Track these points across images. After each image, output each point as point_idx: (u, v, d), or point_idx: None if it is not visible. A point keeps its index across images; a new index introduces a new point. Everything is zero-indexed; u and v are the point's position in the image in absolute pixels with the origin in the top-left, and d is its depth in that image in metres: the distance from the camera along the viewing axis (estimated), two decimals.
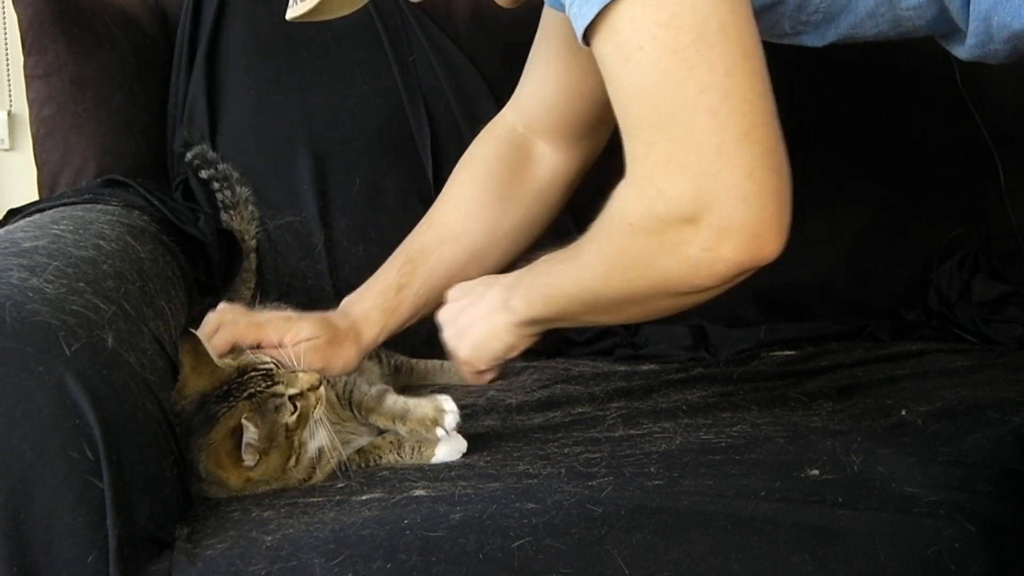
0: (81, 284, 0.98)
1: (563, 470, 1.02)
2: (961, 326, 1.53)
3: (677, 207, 0.86)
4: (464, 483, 1.00)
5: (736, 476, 0.98)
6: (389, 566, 0.87)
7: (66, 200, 1.35)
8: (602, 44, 0.88)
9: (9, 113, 1.95)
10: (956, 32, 0.98)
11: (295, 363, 1.09)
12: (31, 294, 0.91)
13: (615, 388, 1.31)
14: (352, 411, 1.13)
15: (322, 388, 1.07)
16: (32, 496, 0.84)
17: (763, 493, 0.94)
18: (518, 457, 1.08)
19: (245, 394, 1.03)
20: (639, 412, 1.21)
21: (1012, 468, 0.99)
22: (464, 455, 1.09)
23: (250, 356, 1.09)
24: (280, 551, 0.88)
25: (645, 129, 0.88)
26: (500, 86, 1.38)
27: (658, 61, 0.85)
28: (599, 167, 1.39)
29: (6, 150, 1.97)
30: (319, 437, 1.05)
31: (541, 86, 1.28)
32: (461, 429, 1.10)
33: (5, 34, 1.91)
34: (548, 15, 1.25)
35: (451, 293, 1.17)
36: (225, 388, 1.03)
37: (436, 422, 1.08)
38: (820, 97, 1.57)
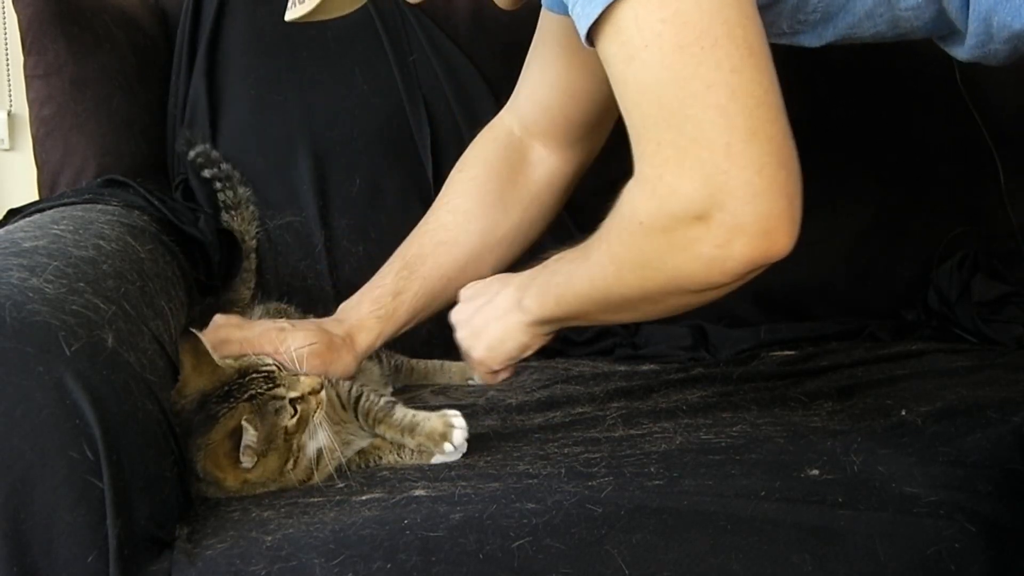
0: (81, 284, 0.98)
1: (563, 470, 1.02)
2: (961, 326, 1.53)
3: (687, 205, 0.86)
4: (464, 483, 1.00)
5: (736, 476, 0.98)
6: (389, 566, 0.87)
7: (66, 200, 1.35)
8: (607, 44, 0.88)
9: (9, 113, 1.95)
10: (954, 33, 0.98)
11: (297, 366, 1.09)
12: (31, 294, 0.91)
13: (615, 388, 1.31)
14: (357, 417, 1.13)
15: (323, 392, 1.07)
16: (32, 496, 0.84)
17: (763, 493, 0.94)
18: (518, 457, 1.08)
19: (246, 396, 1.03)
20: (639, 412, 1.21)
21: (1012, 468, 0.99)
22: (464, 455, 1.09)
23: (252, 358, 1.09)
24: (280, 551, 0.88)
25: (653, 128, 0.87)
26: (500, 86, 1.38)
27: (663, 59, 0.85)
28: (598, 168, 1.39)
29: (6, 150, 1.97)
30: (318, 439, 1.05)
31: (538, 89, 1.28)
32: None
33: (5, 34, 1.91)
34: (546, 18, 1.25)
35: (464, 293, 1.18)
36: (226, 389, 1.03)
37: (445, 437, 1.08)
38: (820, 97, 1.57)
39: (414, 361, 1.44)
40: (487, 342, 1.13)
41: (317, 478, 1.05)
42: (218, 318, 1.21)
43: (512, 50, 1.34)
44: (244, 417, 1.00)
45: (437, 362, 1.45)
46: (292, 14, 1.07)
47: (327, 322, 1.25)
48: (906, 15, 0.96)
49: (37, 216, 1.26)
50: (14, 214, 1.35)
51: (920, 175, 1.62)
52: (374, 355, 1.34)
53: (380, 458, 1.10)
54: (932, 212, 1.61)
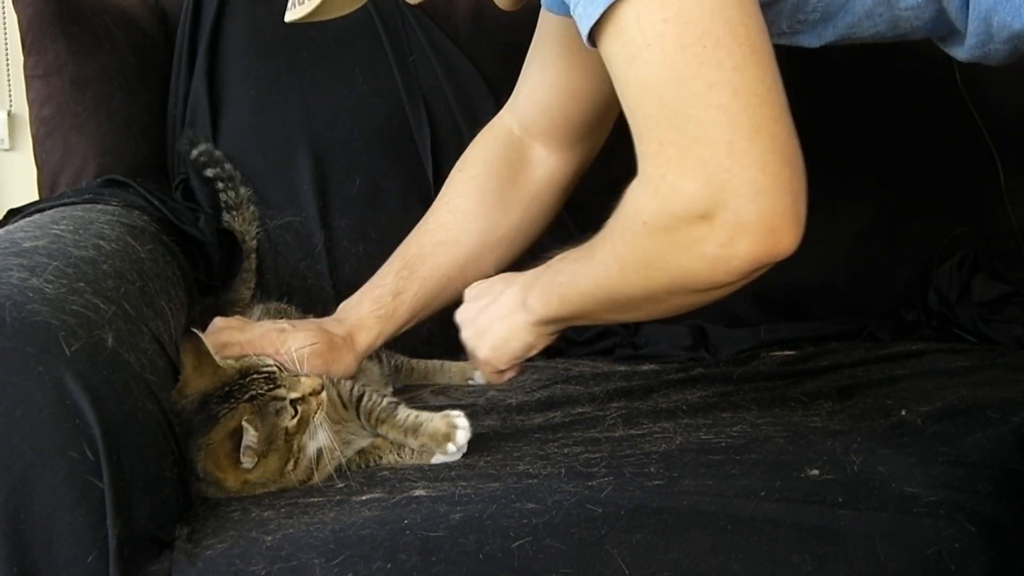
0: (81, 284, 0.98)
1: (563, 470, 1.02)
2: (961, 326, 1.53)
3: (691, 204, 0.86)
4: (464, 483, 1.00)
5: (736, 476, 0.98)
6: (389, 566, 0.87)
7: (66, 200, 1.35)
8: (609, 44, 0.87)
9: (9, 113, 1.95)
10: (954, 34, 0.98)
11: (297, 367, 1.09)
12: (31, 294, 0.91)
13: (615, 388, 1.31)
14: (359, 417, 1.13)
15: (324, 393, 1.06)
16: (32, 496, 0.84)
17: (763, 493, 0.94)
18: (518, 457, 1.08)
19: (246, 396, 1.03)
20: (639, 412, 1.21)
21: (1012, 468, 0.99)
22: (464, 455, 1.09)
23: (253, 359, 1.09)
24: (280, 551, 0.88)
25: (655, 128, 0.87)
26: (500, 86, 1.38)
27: (665, 59, 0.85)
28: (598, 168, 1.39)
29: (6, 150, 1.97)
30: (319, 439, 1.05)
31: (537, 90, 1.28)
32: None
33: (5, 34, 1.91)
34: (545, 19, 1.25)
35: (468, 293, 1.18)
36: (227, 389, 1.03)
37: (448, 437, 1.08)
38: (820, 97, 1.57)
39: (414, 361, 1.44)
40: (492, 342, 1.13)
41: (317, 478, 1.05)
42: (218, 321, 1.22)
43: (512, 50, 1.34)
44: (245, 418, 1.00)
45: (437, 362, 1.45)
46: (292, 15, 1.07)
47: (327, 322, 1.25)
48: (906, 15, 0.96)
49: (37, 216, 1.26)
50: (14, 214, 1.35)
51: (920, 175, 1.62)
52: (374, 355, 1.34)
53: (380, 458, 1.10)
54: (932, 212, 1.61)
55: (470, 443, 1.10)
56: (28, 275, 0.95)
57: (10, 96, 1.94)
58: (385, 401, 1.13)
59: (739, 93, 0.84)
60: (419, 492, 0.98)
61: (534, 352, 1.14)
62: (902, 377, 1.31)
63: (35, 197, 1.51)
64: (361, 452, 1.10)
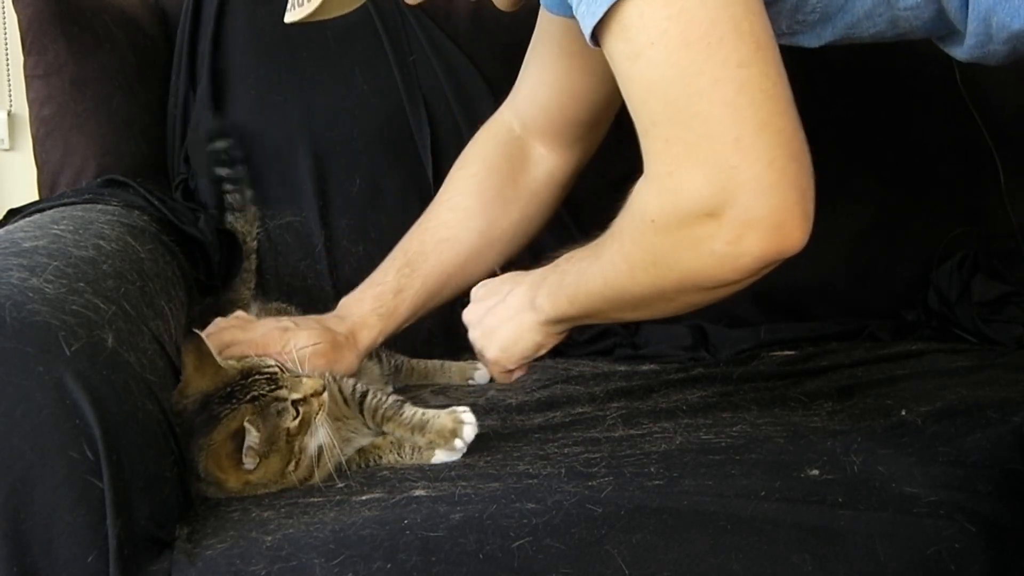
0: (81, 284, 0.98)
1: (563, 470, 1.02)
2: (961, 326, 1.53)
3: (698, 202, 0.86)
4: (464, 483, 1.00)
5: (736, 476, 0.98)
6: (389, 566, 0.87)
7: (66, 200, 1.35)
8: (612, 42, 0.87)
9: (9, 113, 1.95)
10: (954, 33, 0.98)
11: (299, 367, 1.09)
12: (31, 294, 0.91)
13: (615, 388, 1.31)
14: (363, 415, 1.13)
15: (325, 394, 1.06)
16: (32, 496, 0.84)
17: (763, 493, 0.94)
18: (518, 457, 1.08)
19: (248, 397, 1.03)
20: (639, 412, 1.21)
21: (1012, 468, 0.99)
22: (464, 455, 1.09)
23: (255, 359, 1.10)
24: (280, 551, 0.88)
25: (661, 125, 0.87)
26: (500, 86, 1.39)
27: (670, 56, 0.84)
28: (599, 168, 1.39)
29: (6, 150, 1.97)
30: (319, 435, 1.05)
31: (537, 89, 1.29)
32: None
33: (5, 34, 1.91)
34: (544, 18, 1.26)
35: (475, 293, 1.18)
36: (228, 390, 1.03)
37: (455, 433, 1.08)
38: (819, 97, 1.57)
39: (414, 361, 1.44)
40: (500, 342, 1.13)
41: (317, 476, 1.05)
42: (219, 321, 1.22)
43: (512, 50, 1.34)
44: (246, 418, 1.00)
45: (437, 362, 1.45)
46: (292, 16, 1.07)
47: (329, 319, 1.25)
48: (905, 15, 0.96)
49: (37, 216, 1.26)
50: (14, 214, 1.35)
51: (920, 175, 1.62)
52: (374, 354, 1.34)
53: (380, 458, 1.10)
54: (932, 212, 1.61)
55: (470, 443, 1.10)
56: (28, 275, 0.95)
57: (10, 96, 1.94)
58: (390, 399, 1.13)
59: (744, 89, 0.84)
60: (419, 492, 0.98)
61: (543, 352, 1.14)
62: (902, 377, 1.31)
63: (35, 197, 1.51)
64: (361, 451, 1.10)
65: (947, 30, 0.98)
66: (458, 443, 1.08)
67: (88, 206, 1.31)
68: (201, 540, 0.91)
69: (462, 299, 1.23)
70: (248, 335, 1.19)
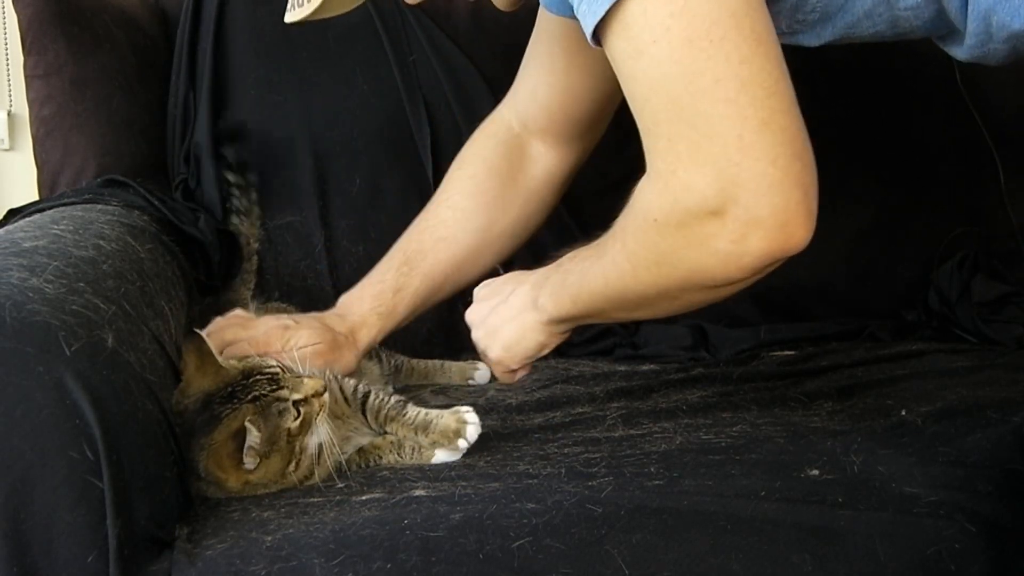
0: (81, 284, 0.98)
1: (563, 470, 1.02)
2: (961, 326, 1.53)
3: (701, 200, 0.86)
4: (464, 483, 1.00)
5: (736, 476, 0.98)
6: (389, 566, 0.87)
7: (66, 200, 1.35)
8: (614, 41, 0.87)
9: (9, 113, 1.95)
10: (954, 33, 0.98)
11: (300, 368, 1.09)
12: (31, 294, 0.91)
13: (615, 388, 1.31)
14: (365, 415, 1.13)
15: (326, 395, 1.07)
16: (32, 496, 0.84)
17: (763, 493, 0.94)
18: (518, 457, 1.08)
19: (249, 397, 1.03)
20: (639, 412, 1.21)
21: (1012, 468, 0.99)
22: (464, 455, 1.09)
23: (256, 359, 1.10)
24: (280, 551, 0.88)
25: (664, 124, 0.87)
26: (500, 86, 1.39)
27: (672, 53, 0.84)
28: (600, 168, 1.39)
29: (6, 150, 1.97)
30: (319, 433, 1.05)
31: (537, 88, 1.29)
32: None
33: (5, 34, 1.91)
34: (544, 17, 1.26)
35: (478, 293, 1.18)
36: (229, 390, 1.03)
37: (459, 433, 1.08)
38: (819, 97, 1.56)
39: (414, 361, 1.44)
40: (503, 342, 1.13)
41: (317, 476, 1.05)
42: (219, 320, 1.22)
43: (512, 50, 1.34)
44: (248, 418, 1.00)
45: (437, 362, 1.45)
46: (292, 16, 1.07)
47: (329, 317, 1.26)
48: (905, 15, 0.96)
49: (37, 216, 1.26)
50: (14, 214, 1.35)
51: (920, 175, 1.62)
52: (374, 355, 1.34)
53: (380, 458, 1.10)
54: (932, 212, 1.61)
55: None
56: (28, 275, 0.95)
57: (10, 96, 1.94)
58: (393, 399, 1.13)
59: (746, 86, 0.84)
60: (419, 492, 0.98)
61: (546, 351, 1.14)
62: (902, 377, 1.31)
63: (35, 197, 1.51)
64: (361, 451, 1.10)
65: (947, 30, 0.98)
66: (461, 443, 1.08)
67: (88, 206, 1.31)
68: (201, 540, 0.91)
69: (464, 299, 1.23)
70: (249, 332, 1.20)
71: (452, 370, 1.44)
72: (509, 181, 1.30)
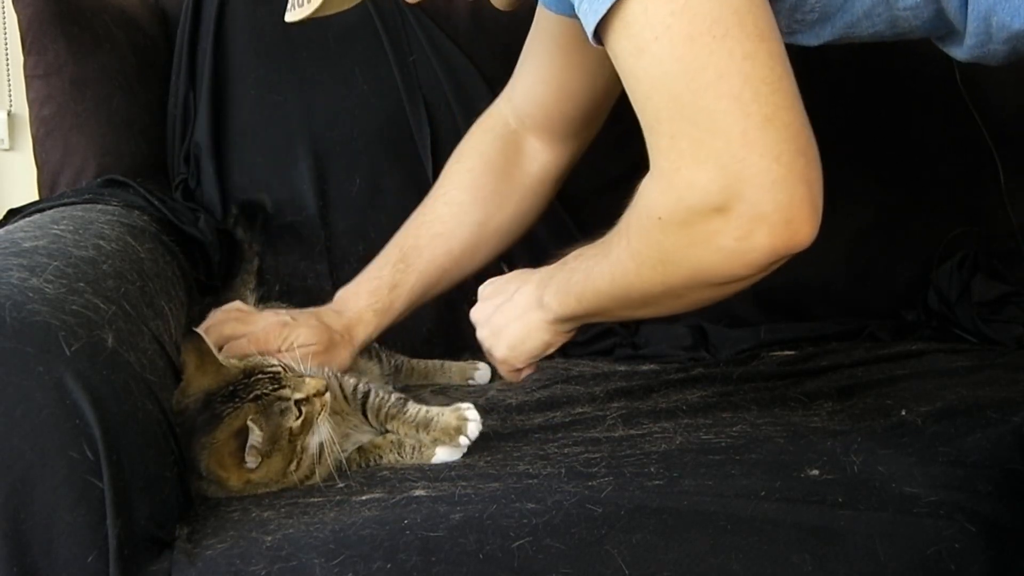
0: (81, 284, 0.98)
1: (563, 470, 1.02)
2: (961, 326, 1.53)
3: (706, 197, 0.85)
4: (464, 483, 1.00)
5: (736, 476, 0.98)
6: (389, 566, 0.87)
7: (66, 200, 1.35)
8: (616, 39, 0.87)
9: (9, 113, 1.95)
10: (953, 33, 0.98)
11: (302, 367, 1.09)
12: (31, 294, 0.91)
13: (615, 388, 1.31)
14: (365, 414, 1.13)
15: (327, 395, 1.07)
16: (32, 496, 0.84)
17: (763, 493, 0.94)
18: (518, 457, 1.08)
19: (251, 396, 1.03)
20: (639, 412, 1.21)
21: (1012, 468, 0.99)
22: (464, 455, 1.09)
23: (257, 358, 1.10)
24: (280, 551, 0.88)
25: (666, 121, 0.87)
26: (500, 86, 1.39)
27: (674, 51, 0.84)
28: (599, 168, 1.39)
29: (6, 150, 1.97)
30: (320, 433, 1.05)
31: (535, 86, 1.29)
32: None
33: (5, 34, 1.91)
34: (542, 15, 1.26)
35: (483, 291, 1.18)
36: (231, 389, 1.03)
37: (460, 430, 1.08)
38: (819, 97, 1.56)
39: (414, 361, 1.44)
40: (508, 341, 1.13)
41: (318, 475, 1.05)
42: (218, 313, 1.22)
43: (512, 50, 1.34)
44: (250, 417, 1.00)
45: (437, 362, 1.45)
46: (293, 15, 1.07)
47: (326, 313, 1.26)
48: (904, 15, 0.96)
49: (37, 216, 1.26)
50: (14, 214, 1.35)
51: (920, 175, 1.62)
52: (375, 355, 1.34)
53: (380, 457, 1.10)
54: (932, 212, 1.61)
55: (470, 443, 1.10)
56: (28, 275, 0.95)
57: (10, 96, 1.94)
58: (393, 397, 1.13)
59: (750, 82, 0.83)
60: (419, 492, 0.98)
61: (551, 350, 1.14)
62: (902, 377, 1.31)
63: (35, 197, 1.51)
64: (361, 451, 1.10)
65: (946, 30, 0.98)
66: (463, 440, 1.08)
67: (88, 206, 1.31)
68: (201, 540, 0.91)
69: (468, 298, 1.23)
70: (248, 328, 1.20)
71: (452, 370, 1.44)
72: (505, 177, 1.31)
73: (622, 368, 1.46)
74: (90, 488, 0.85)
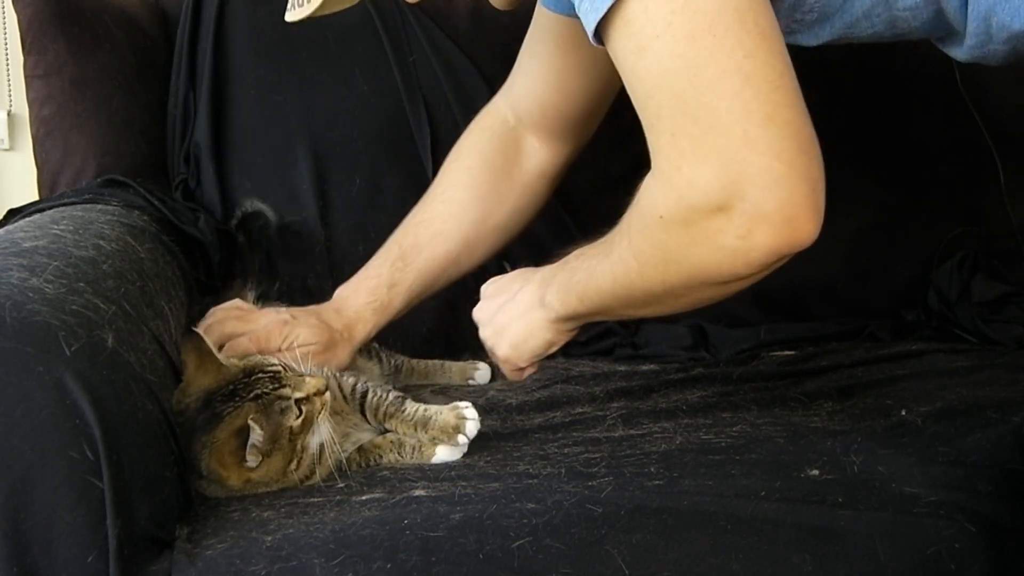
0: (81, 284, 0.98)
1: (563, 470, 1.02)
2: (961, 326, 1.53)
3: (708, 196, 0.85)
4: (464, 483, 1.00)
5: (736, 476, 0.98)
6: (389, 566, 0.87)
7: (66, 200, 1.35)
8: (616, 38, 0.87)
9: (9, 113, 1.95)
10: (953, 34, 0.98)
11: (302, 366, 1.09)
12: (31, 294, 0.91)
13: (615, 388, 1.31)
14: (364, 413, 1.13)
15: (328, 394, 1.07)
16: (32, 496, 0.84)
17: (763, 493, 0.94)
18: (518, 457, 1.08)
19: (251, 395, 1.03)
20: (639, 412, 1.21)
21: (1012, 468, 0.99)
22: (464, 455, 1.09)
23: (257, 357, 1.10)
24: (280, 551, 0.88)
25: (668, 120, 0.86)
26: (500, 86, 1.39)
27: (675, 49, 0.84)
28: (598, 167, 1.39)
29: (6, 150, 1.97)
30: (321, 432, 1.05)
31: (533, 85, 1.29)
32: None
33: (5, 34, 1.91)
34: (541, 14, 1.26)
35: (485, 290, 1.19)
36: (231, 387, 1.03)
37: (458, 429, 1.08)
38: (819, 97, 1.55)
39: (414, 361, 1.44)
40: (511, 340, 1.13)
41: (319, 474, 1.05)
42: (217, 311, 1.22)
43: (512, 50, 1.34)
44: (250, 416, 1.00)
45: (437, 362, 1.45)
46: (293, 15, 1.07)
47: (326, 311, 1.26)
48: (904, 15, 0.96)
49: (37, 216, 1.26)
50: (14, 214, 1.35)
51: (920, 175, 1.62)
52: (374, 354, 1.35)
53: (380, 457, 1.10)
54: (932, 212, 1.61)
55: (470, 443, 1.10)
56: (28, 275, 0.95)
57: (10, 96, 1.94)
58: (391, 396, 1.13)
59: (751, 80, 0.83)
60: (419, 492, 0.98)
61: (554, 349, 1.14)
62: (902, 377, 1.31)
63: (35, 197, 1.51)
64: (361, 451, 1.10)
65: (946, 31, 0.98)
66: (461, 438, 1.08)
67: (88, 206, 1.31)
68: (201, 540, 0.91)
69: (468, 298, 1.23)
70: (249, 326, 1.20)
71: (452, 370, 1.44)
72: (504, 174, 1.31)
73: (622, 368, 1.46)
74: (90, 488, 0.85)
